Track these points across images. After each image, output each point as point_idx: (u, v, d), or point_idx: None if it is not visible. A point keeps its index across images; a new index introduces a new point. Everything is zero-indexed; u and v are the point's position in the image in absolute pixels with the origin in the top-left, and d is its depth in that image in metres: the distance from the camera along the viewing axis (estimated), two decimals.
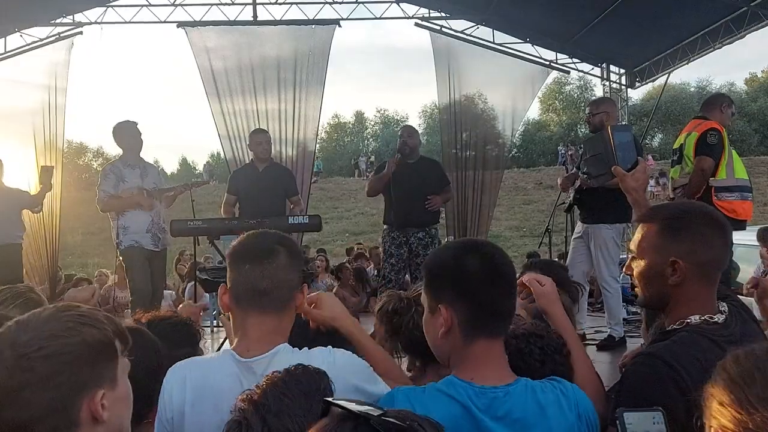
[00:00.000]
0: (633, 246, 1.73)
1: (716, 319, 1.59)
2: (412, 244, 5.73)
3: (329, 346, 1.65)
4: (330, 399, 0.95)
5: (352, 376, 1.56)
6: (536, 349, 1.71)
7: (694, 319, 1.60)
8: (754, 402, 0.94)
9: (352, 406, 0.91)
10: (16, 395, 1.07)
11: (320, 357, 1.57)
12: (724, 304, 1.67)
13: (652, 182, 27.90)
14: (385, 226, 5.99)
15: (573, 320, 2.14)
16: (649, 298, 1.71)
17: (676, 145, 5.08)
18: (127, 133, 5.52)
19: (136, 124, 5.58)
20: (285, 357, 1.54)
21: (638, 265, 1.70)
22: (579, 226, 5.48)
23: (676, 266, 1.59)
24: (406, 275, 5.94)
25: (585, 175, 5.09)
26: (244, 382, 1.50)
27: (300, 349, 1.62)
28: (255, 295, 1.59)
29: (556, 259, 9.00)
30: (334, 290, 7.84)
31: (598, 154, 4.96)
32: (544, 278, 1.91)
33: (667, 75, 9.84)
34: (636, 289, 1.75)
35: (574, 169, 6.12)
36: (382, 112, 51.88)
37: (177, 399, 1.55)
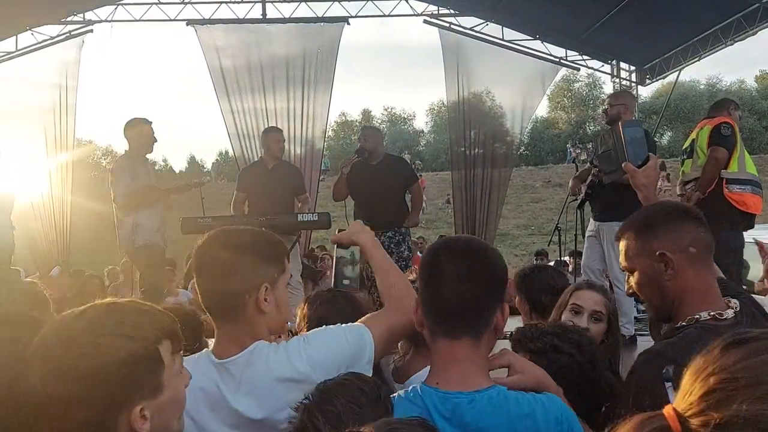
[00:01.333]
0: (622, 264, 1.75)
1: (725, 316, 1.59)
2: (384, 243, 5.60)
3: (306, 335, 1.65)
4: None
5: (337, 360, 1.54)
6: (566, 344, 1.70)
7: (703, 315, 1.59)
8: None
9: None
10: (49, 408, 1.04)
11: (296, 346, 1.56)
12: (736, 300, 1.66)
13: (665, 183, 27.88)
14: None
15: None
16: (655, 306, 1.71)
17: (686, 144, 5.09)
18: (140, 131, 5.51)
19: (150, 123, 5.57)
20: (266, 354, 1.52)
21: (634, 279, 1.71)
22: (591, 224, 5.45)
23: (665, 259, 1.61)
24: None
25: (598, 170, 5.08)
26: (221, 386, 1.51)
27: None
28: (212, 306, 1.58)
29: (566, 258, 8.98)
30: None
31: (609, 150, 4.97)
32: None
33: (677, 72, 9.77)
34: (645, 304, 1.77)
35: (588, 164, 6.09)
36: (389, 110, 51.87)
37: None
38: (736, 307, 1.62)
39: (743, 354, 0.87)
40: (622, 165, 2.29)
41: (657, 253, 1.62)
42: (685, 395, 0.87)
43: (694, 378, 0.88)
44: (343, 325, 1.65)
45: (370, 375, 1.53)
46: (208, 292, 1.55)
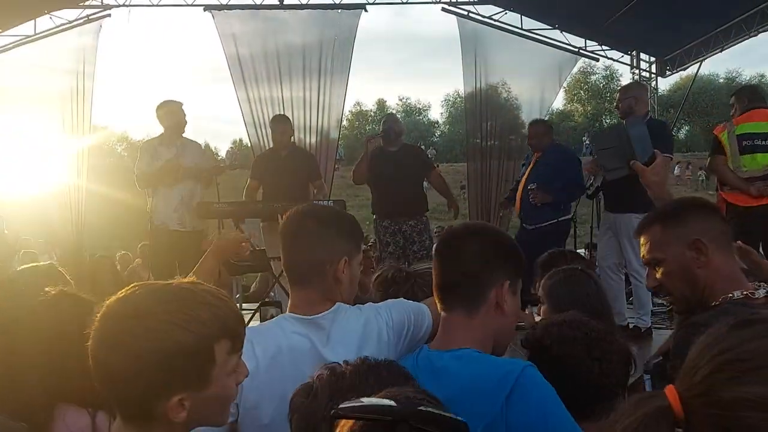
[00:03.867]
0: (647, 256, 1.76)
1: (757, 295, 1.63)
2: (406, 231, 5.66)
3: (375, 305, 1.81)
4: (343, 409, 0.93)
5: (405, 325, 1.75)
6: (580, 334, 1.62)
7: (737, 294, 1.63)
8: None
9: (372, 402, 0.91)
10: (101, 375, 1.10)
11: (373, 307, 1.76)
12: (764, 283, 1.70)
13: (677, 168, 27.50)
14: (374, 216, 5.92)
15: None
16: (684, 296, 1.71)
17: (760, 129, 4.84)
18: (168, 111, 5.53)
19: (180, 104, 5.60)
20: (346, 312, 1.70)
21: (662, 269, 1.72)
22: (606, 216, 5.39)
23: (698, 245, 1.65)
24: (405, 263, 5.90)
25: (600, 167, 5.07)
26: (313, 339, 1.63)
27: None
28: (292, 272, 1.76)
29: (582, 250, 8.92)
30: None
31: (611, 147, 4.93)
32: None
33: (699, 63, 9.62)
34: (669, 298, 1.78)
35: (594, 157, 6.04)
36: (404, 100, 51.79)
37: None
38: (766, 288, 1.66)
39: (752, 335, 0.86)
40: (631, 164, 2.31)
41: (691, 239, 1.65)
42: (689, 375, 0.86)
43: (699, 358, 0.87)
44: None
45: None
46: (293, 257, 1.72)
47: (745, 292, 1.63)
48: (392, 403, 0.91)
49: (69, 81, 8.65)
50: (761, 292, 1.64)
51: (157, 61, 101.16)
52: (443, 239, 1.67)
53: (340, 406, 0.94)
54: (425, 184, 6.18)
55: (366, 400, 0.93)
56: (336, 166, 11.09)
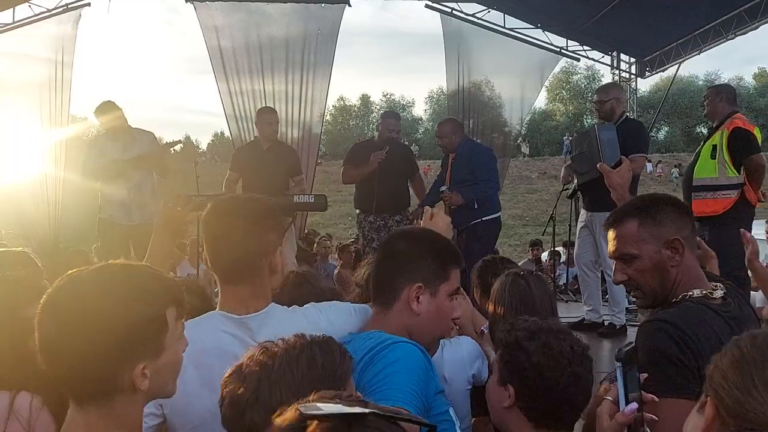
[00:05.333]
0: (620, 251, 1.75)
1: (715, 295, 1.68)
2: (392, 227, 5.64)
3: (317, 304, 1.80)
4: (306, 409, 0.94)
5: (349, 328, 1.73)
6: (567, 346, 1.55)
7: (696, 292, 1.67)
8: (759, 385, 0.96)
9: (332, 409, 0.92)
10: (60, 360, 1.11)
11: (312, 309, 1.74)
12: (720, 284, 1.75)
13: (650, 166, 27.83)
14: (357, 211, 5.90)
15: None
16: (654, 292, 1.74)
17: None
18: (104, 112, 5.49)
19: (111, 102, 5.55)
20: (281, 314, 1.67)
21: (635, 265, 1.72)
22: (583, 215, 5.45)
23: (676, 245, 1.67)
24: None
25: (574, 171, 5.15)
26: (242, 339, 1.59)
27: None
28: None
29: (560, 248, 9.01)
30: (336, 270, 7.84)
31: (583, 152, 5.03)
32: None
33: (678, 65, 9.75)
34: (635, 292, 1.79)
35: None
36: (388, 96, 51.83)
37: None
38: (723, 290, 1.71)
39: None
40: (597, 166, 2.39)
41: (670, 239, 1.68)
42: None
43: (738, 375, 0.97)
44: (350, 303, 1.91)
45: None
46: (222, 256, 1.66)
47: (704, 292, 1.67)
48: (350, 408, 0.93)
49: (47, 70, 8.52)
50: (719, 293, 1.69)
51: (138, 52, 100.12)
52: (383, 240, 1.82)
53: (304, 412, 0.94)
54: None
55: (324, 407, 0.94)
56: (318, 161, 11.06)
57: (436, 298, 1.68)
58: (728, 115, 4.86)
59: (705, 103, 5.07)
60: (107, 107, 5.50)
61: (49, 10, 8.57)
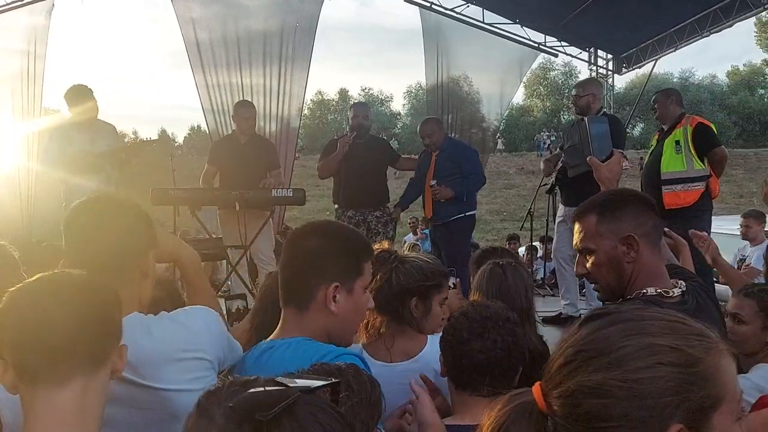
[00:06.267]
0: (579, 244, 1.79)
1: (671, 294, 1.68)
2: (371, 222, 5.64)
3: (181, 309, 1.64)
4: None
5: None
6: (485, 315, 1.76)
7: (650, 291, 1.68)
8: None
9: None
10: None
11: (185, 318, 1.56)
12: (683, 282, 1.75)
13: (626, 163, 28.25)
14: (335, 206, 5.88)
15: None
16: (610, 287, 1.76)
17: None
18: (76, 95, 5.34)
19: (86, 88, 5.41)
20: (132, 322, 1.42)
21: (592, 259, 1.75)
22: (561, 210, 5.50)
23: (631, 242, 1.68)
24: None
25: (564, 164, 5.18)
26: None
27: None
28: None
29: (537, 243, 9.09)
30: None
31: (574, 145, 5.05)
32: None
33: (654, 62, 9.85)
34: (595, 286, 1.82)
35: (558, 149, 6.15)
36: (366, 90, 51.68)
37: None
38: (682, 288, 1.72)
39: (594, 327, 0.91)
40: (587, 159, 2.38)
41: (625, 235, 1.69)
42: (548, 369, 0.92)
43: (555, 352, 0.94)
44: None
45: None
46: (91, 252, 1.50)
47: (659, 290, 1.68)
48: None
49: (19, 61, 8.35)
50: (676, 291, 1.69)
51: (113, 44, 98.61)
52: (289, 237, 1.72)
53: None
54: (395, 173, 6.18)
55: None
56: (296, 155, 11.00)
57: (353, 294, 1.64)
58: (679, 116, 5.07)
59: (656, 107, 5.25)
60: (83, 94, 5.33)
61: (20, 0, 8.39)
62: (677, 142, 4.93)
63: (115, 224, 1.51)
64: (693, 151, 4.88)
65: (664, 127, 5.19)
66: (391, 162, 6.01)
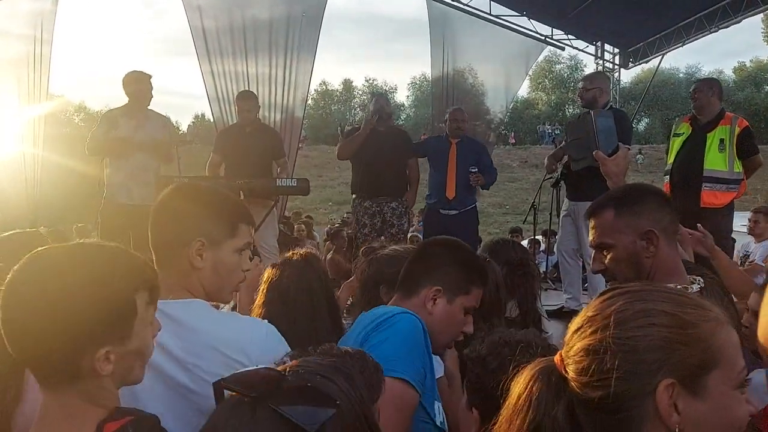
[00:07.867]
0: (596, 240, 1.77)
1: (690, 290, 1.66)
2: (386, 213, 5.61)
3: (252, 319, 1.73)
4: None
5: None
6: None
7: (670, 286, 1.63)
8: None
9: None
10: (20, 336, 1.07)
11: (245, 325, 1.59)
12: (701, 278, 1.74)
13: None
14: (353, 196, 5.88)
15: None
16: (629, 282, 1.71)
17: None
18: (132, 80, 5.40)
19: (149, 75, 5.47)
20: (199, 307, 1.53)
21: (611, 255, 1.73)
22: (566, 204, 5.49)
23: (651, 237, 1.67)
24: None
25: (568, 158, 5.17)
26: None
27: None
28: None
29: (539, 237, 9.08)
30: (329, 256, 7.74)
31: (579, 138, 5.02)
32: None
33: (661, 56, 9.83)
34: (611, 282, 1.78)
35: (563, 143, 6.14)
36: (370, 81, 51.60)
37: None
38: (700, 284, 1.71)
39: (604, 298, 1.00)
40: (593, 153, 2.35)
41: (645, 230, 1.68)
42: (567, 338, 1.02)
43: (572, 322, 1.03)
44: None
45: None
46: (151, 235, 1.57)
47: (678, 286, 1.63)
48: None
49: (25, 47, 8.33)
50: (695, 287, 1.68)
51: (119, 30, 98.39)
52: (423, 241, 1.92)
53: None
54: None
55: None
56: (300, 145, 11.00)
57: (452, 306, 1.80)
58: (720, 111, 4.91)
59: (696, 96, 4.99)
60: (135, 80, 5.39)
61: None
62: (722, 141, 4.79)
63: (167, 210, 1.57)
64: (735, 153, 4.78)
65: (700, 118, 4.98)
66: (406, 158, 5.94)
